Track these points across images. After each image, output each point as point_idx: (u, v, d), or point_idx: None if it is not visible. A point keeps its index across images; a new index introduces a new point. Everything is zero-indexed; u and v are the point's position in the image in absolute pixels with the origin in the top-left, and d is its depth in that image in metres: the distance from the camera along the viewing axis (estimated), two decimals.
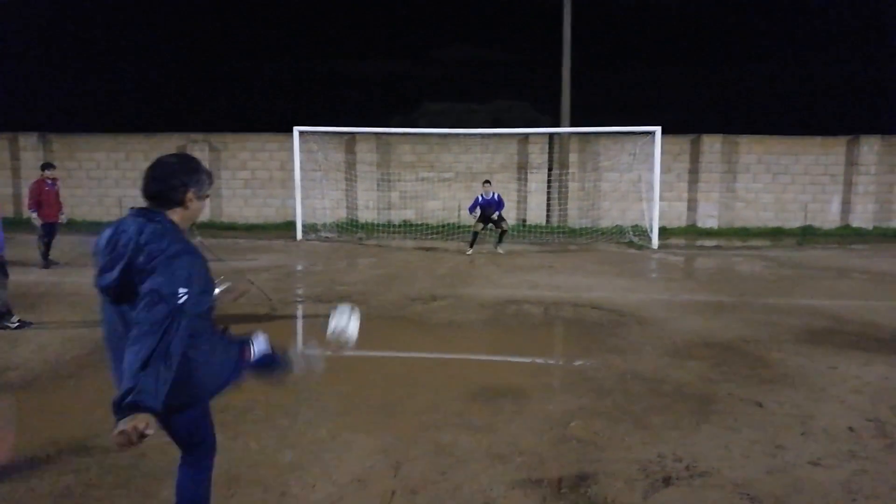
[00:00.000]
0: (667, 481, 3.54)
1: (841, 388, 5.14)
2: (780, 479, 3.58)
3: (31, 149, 19.54)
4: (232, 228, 18.74)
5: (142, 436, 2.01)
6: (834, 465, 3.76)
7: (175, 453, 2.63)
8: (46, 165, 11.67)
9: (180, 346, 2.16)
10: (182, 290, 2.16)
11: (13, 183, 19.57)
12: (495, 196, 13.54)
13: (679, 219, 19.36)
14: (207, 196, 2.45)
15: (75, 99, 43.34)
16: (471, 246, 13.71)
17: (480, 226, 13.71)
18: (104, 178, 19.79)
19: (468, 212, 13.98)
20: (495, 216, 13.60)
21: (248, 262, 12.16)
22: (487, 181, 13.74)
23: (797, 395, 4.98)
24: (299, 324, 7.65)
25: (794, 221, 19.03)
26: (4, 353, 5.95)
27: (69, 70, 48.78)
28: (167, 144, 19.27)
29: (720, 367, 5.71)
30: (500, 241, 13.93)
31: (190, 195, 2.37)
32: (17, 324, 6.90)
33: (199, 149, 19.24)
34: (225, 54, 60.33)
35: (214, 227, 18.84)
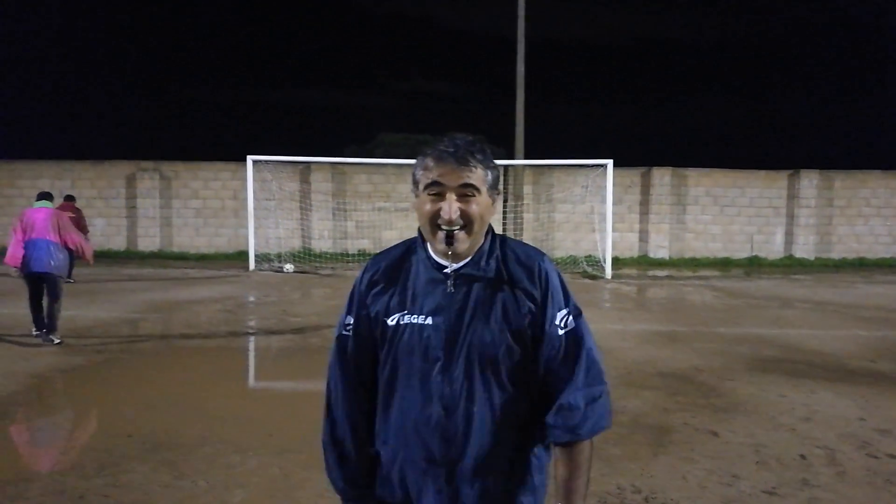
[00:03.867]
0: None
1: (791, 417, 5.23)
2: None
3: None
4: (183, 258, 18.28)
5: None
6: (788, 494, 3.80)
7: None
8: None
9: None
10: None
11: None
12: None
13: (631, 249, 19.73)
14: (422, 194, 1.77)
15: (17, 124, 42.07)
16: None
17: None
18: None
19: None
20: None
21: (200, 293, 11.84)
22: None
23: (750, 423, 5.05)
24: (251, 356, 7.45)
25: (742, 252, 19.61)
26: None
27: (12, 95, 47.35)
28: (114, 171, 18.75)
29: (675, 396, 5.76)
30: None
31: None
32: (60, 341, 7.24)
33: (150, 177, 18.79)
34: (177, 81, 59.50)
35: (164, 258, 18.36)
